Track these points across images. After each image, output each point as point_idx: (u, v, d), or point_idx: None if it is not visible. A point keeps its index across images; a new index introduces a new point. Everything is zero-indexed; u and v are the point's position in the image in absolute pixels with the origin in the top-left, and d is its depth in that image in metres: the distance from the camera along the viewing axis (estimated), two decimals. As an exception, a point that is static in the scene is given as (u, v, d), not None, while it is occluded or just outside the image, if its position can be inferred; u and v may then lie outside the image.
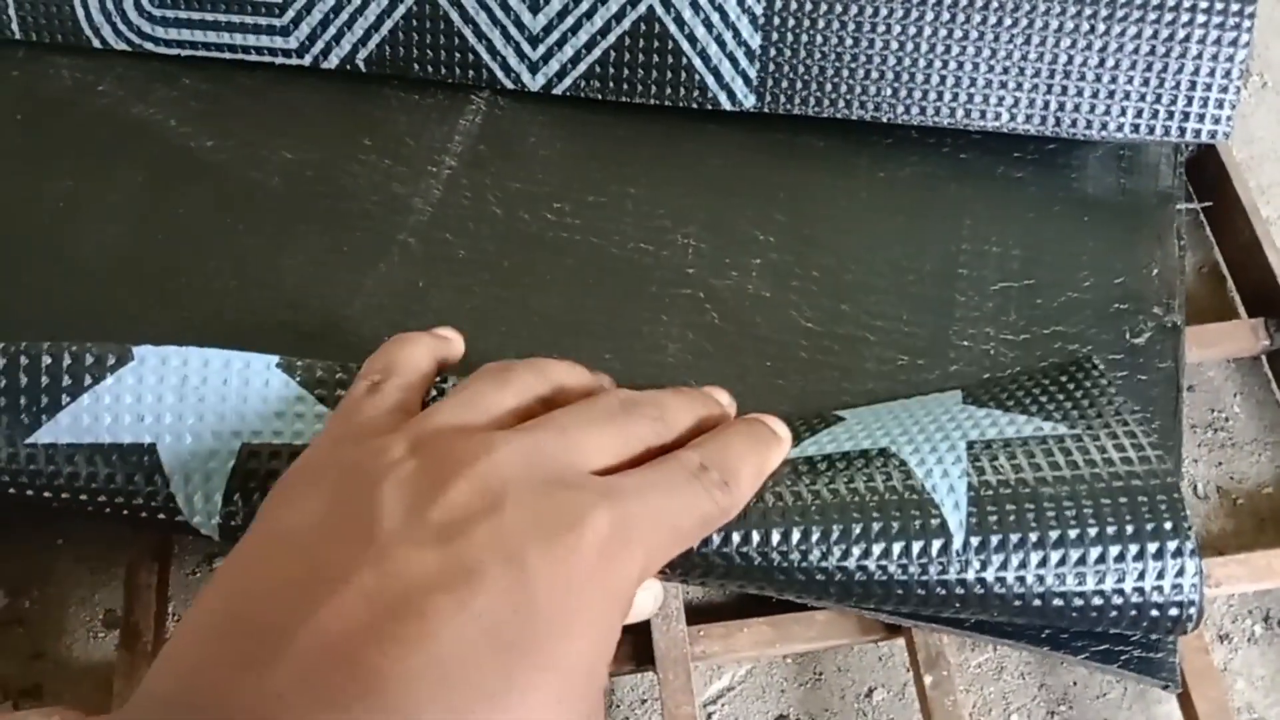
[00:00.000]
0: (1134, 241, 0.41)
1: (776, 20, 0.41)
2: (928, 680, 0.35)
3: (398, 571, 0.21)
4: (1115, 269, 0.40)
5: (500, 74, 0.42)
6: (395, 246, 0.40)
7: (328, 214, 0.40)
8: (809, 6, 0.40)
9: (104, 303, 0.39)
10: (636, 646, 0.36)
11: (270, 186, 0.41)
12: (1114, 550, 0.30)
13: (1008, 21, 0.41)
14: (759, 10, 0.41)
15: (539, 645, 0.21)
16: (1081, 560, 0.30)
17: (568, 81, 0.42)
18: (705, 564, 0.30)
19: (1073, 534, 0.30)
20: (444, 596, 0.21)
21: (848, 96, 0.41)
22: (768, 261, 0.40)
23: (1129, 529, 0.30)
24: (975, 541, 0.30)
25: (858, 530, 0.30)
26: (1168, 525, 0.30)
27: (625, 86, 0.42)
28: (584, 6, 0.41)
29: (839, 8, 0.40)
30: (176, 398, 0.30)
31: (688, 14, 0.41)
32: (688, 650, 0.35)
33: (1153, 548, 0.30)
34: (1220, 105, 0.41)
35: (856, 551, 0.30)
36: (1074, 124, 0.41)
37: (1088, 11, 0.40)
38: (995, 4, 0.40)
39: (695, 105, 0.42)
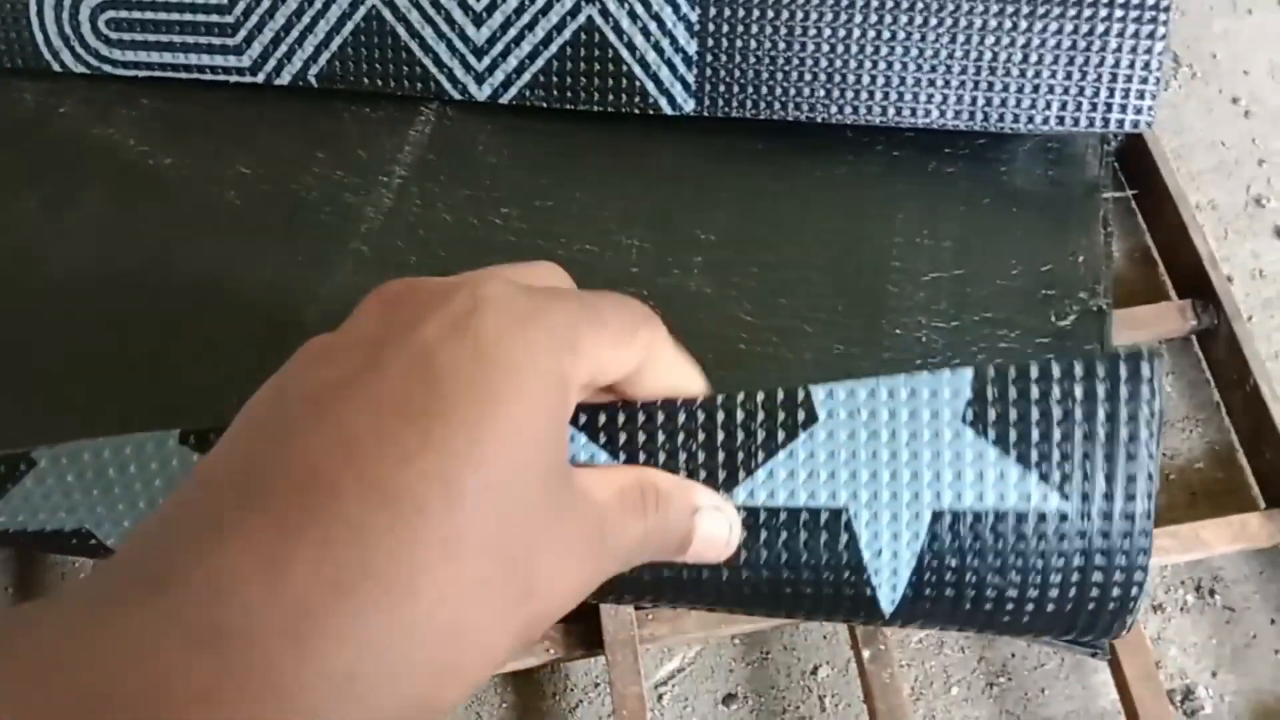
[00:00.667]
0: (1061, 230, 0.43)
1: (711, 27, 0.42)
2: (866, 655, 0.37)
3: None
4: (1043, 257, 0.42)
5: (447, 85, 0.44)
6: (349, 255, 0.41)
7: (283, 225, 0.42)
8: (742, 13, 0.42)
9: (70, 318, 0.40)
10: (587, 631, 0.37)
11: (227, 200, 0.42)
12: (1052, 625, 0.31)
13: (934, 21, 0.42)
14: (694, 18, 0.42)
15: (451, 409, 0.22)
16: (1016, 627, 0.31)
17: (513, 91, 0.44)
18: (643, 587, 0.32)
19: (1009, 614, 0.31)
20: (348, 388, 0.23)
21: (783, 99, 0.43)
22: (709, 260, 0.42)
23: (1068, 617, 0.31)
24: (904, 616, 0.31)
25: (788, 598, 0.31)
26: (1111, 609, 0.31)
27: (569, 94, 0.44)
28: (525, 19, 0.43)
29: (771, 13, 0.42)
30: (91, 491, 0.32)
31: (625, 23, 0.42)
32: (635, 633, 0.37)
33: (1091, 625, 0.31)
34: (1142, 95, 0.43)
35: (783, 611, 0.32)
36: (1001, 118, 0.43)
37: (1010, 9, 0.42)
38: (921, 5, 0.42)
39: (637, 111, 0.44)
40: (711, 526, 0.29)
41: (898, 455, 0.31)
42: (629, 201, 0.43)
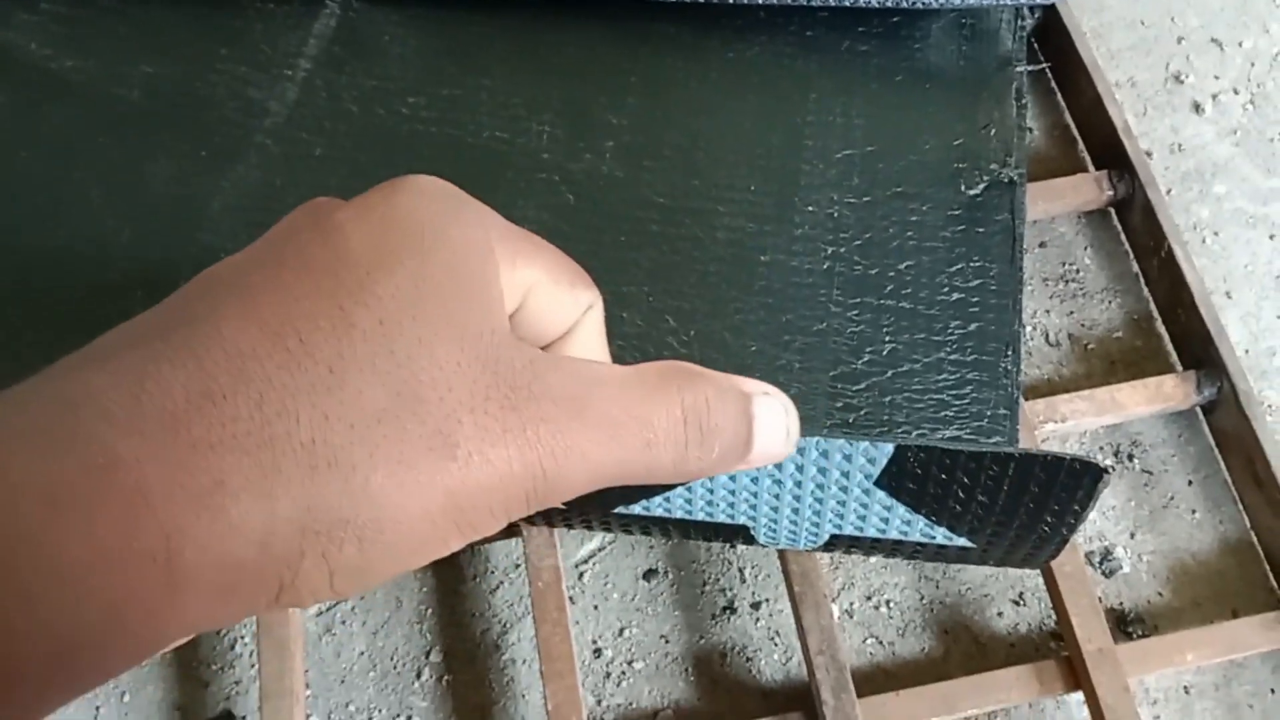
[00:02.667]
0: (973, 105, 0.42)
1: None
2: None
3: None
4: (955, 131, 0.42)
5: (352, -25, 0.43)
6: (252, 149, 0.41)
7: (188, 122, 0.41)
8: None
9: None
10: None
11: (132, 100, 0.42)
12: None
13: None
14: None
15: (347, 264, 0.22)
16: None
17: (417, -22, 0.43)
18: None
19: None
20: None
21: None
22: (621, 144, 0.41)
23: None
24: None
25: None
26: None
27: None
28: None
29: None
30: None
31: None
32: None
33: None
34: (1055, -33, 0.42)
35: None
36: (913, -8, 0.43)
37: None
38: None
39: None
40: (770, 416, 0.26)
41: (802, 497, 0.32)
42: (538, 88, 0.42)
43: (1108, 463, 0.35)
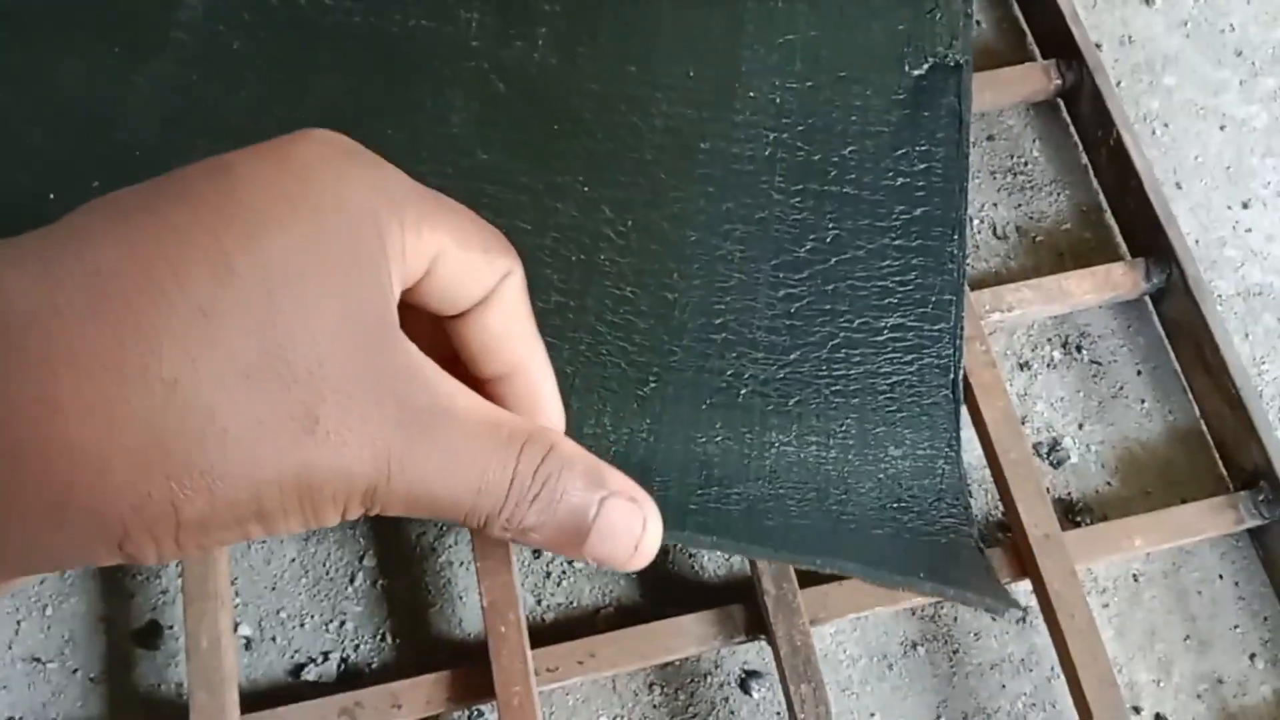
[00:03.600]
0: None
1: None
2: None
3: None
4: (899, 16, 0.40)
5: None
6: (168, 44, 0.39)
7: (99, 19, 0.39)
8: None
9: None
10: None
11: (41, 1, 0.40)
12: None
13: None
14: None
15: (234, 202, 0.21)
16: None
17: None
18: None
19: None
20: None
21: None
22: (554, 30, 0.40)
23: None
24: None
25: None
26: None
27: None
28: None
29: None
30: None
31: None
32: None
33: None
34: None
35: None
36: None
37: None
38: None
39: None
40: (620, 518, 0.25)
41: None
42: (466, -25, 0.41)
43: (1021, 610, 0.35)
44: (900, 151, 0.38)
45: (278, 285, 0.20)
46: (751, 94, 0.39)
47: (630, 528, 0.25)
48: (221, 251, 0.20)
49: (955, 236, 0.37)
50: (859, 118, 0.38)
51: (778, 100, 0.39)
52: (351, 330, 0.21)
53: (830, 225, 0.37)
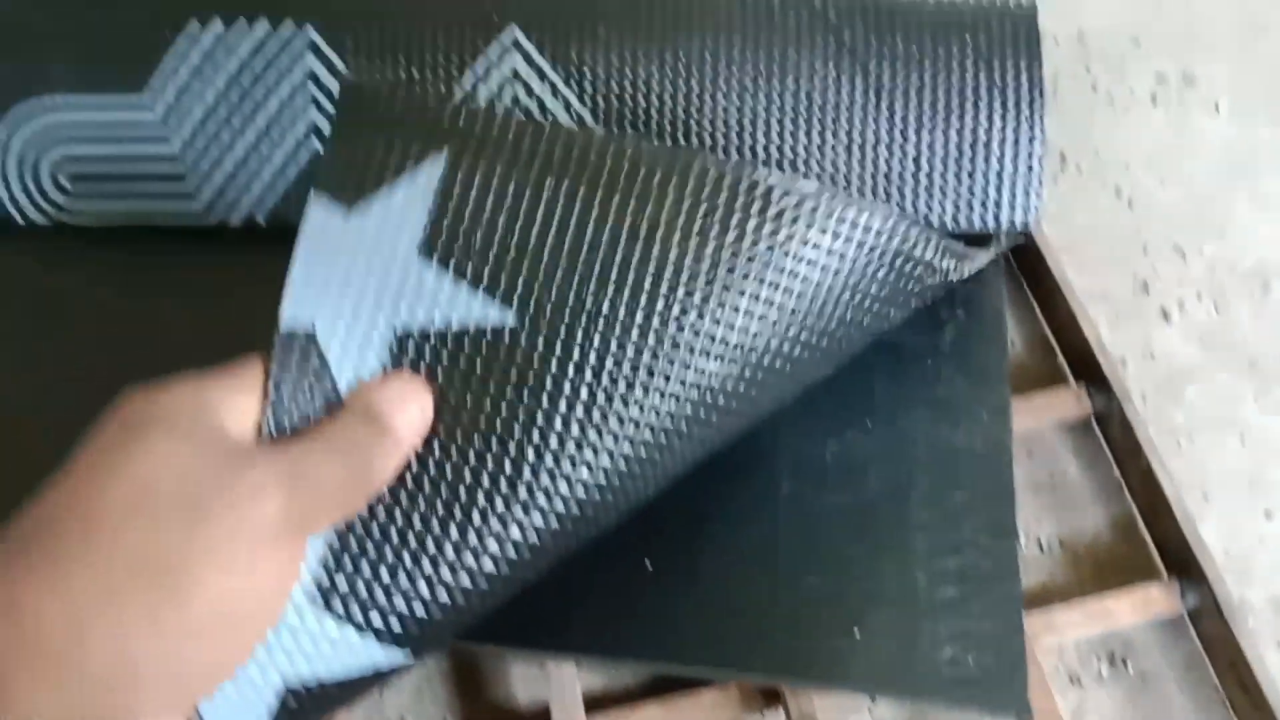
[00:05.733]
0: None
1: None
2: (799, 743, 0.38)
3: None
4: None
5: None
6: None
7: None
8: (655, 141, 0.45)
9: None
10: (538, 735, 0.38)
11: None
12: None
13: (830, 138, 0.45)
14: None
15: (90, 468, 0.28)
16: None
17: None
18: None
19: None
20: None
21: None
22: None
23: None
24: None
25: None
26: None
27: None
28: None
29: (680, 138, 0.45)
30: None
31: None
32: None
33: None
34: (1027, 195, 0.46)
35: None
36: (899, 223, 0.46)
37: (899, 122, 0.45)
38: (818, 123, 0.45)
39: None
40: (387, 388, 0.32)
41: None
42: None
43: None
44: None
45: (130, 511, 0.28)
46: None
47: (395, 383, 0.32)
48: (82, 508, 0.28)
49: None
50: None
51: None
52: (200, 504, 0.28)
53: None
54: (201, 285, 0.46)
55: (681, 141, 0.45)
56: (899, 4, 0.46)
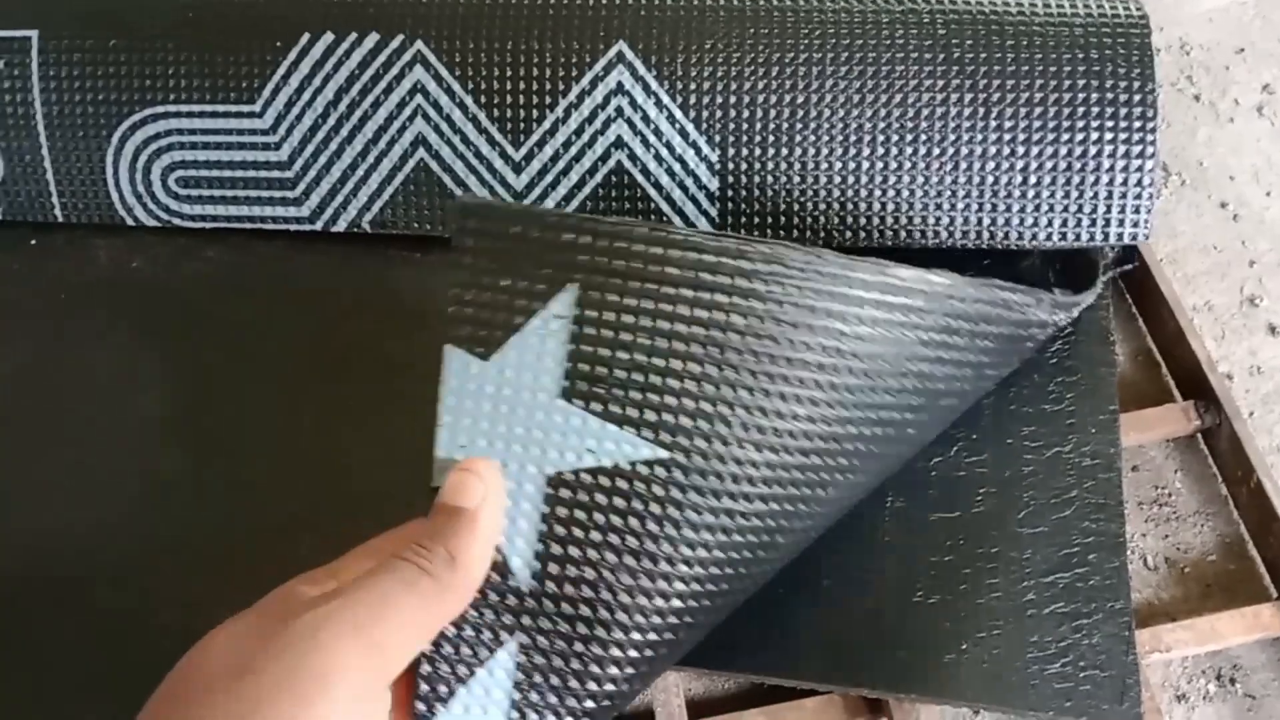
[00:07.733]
0: None
1: (730, 165, 0.46)
2: None
3: None
4: None
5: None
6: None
7: (335, 367, 0.45)
8: (758, 151, 0.46)
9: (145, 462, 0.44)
10: (643, 741, 0.39)
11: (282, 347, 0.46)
12: None
13: (937, 151, 0.46)
14: (714, 158, 0.46)
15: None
16: None
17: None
18: None
19: None
20: None
21: (799, 227, 0.46)
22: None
23: None
24: None
25: None
26: None
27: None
28: (560, 165, 0.46)
29: (785, 150, 0.45)
30: None
31: (652, 165, 0.46)
32: (690, 742, 0.39)
33: None
34: (1137, 210, 0.46)
35: None
36: (1006, 237, 0.46)
37: (1009, 136, 0.45)
38: (925, 136, 0.45)
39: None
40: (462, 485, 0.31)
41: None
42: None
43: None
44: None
45: None
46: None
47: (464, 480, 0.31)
48: None
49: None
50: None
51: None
52: None
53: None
54: (307, 287, 0.47)
55: (785, 153, 0.46)
56: (1008, 17, 0.46)
